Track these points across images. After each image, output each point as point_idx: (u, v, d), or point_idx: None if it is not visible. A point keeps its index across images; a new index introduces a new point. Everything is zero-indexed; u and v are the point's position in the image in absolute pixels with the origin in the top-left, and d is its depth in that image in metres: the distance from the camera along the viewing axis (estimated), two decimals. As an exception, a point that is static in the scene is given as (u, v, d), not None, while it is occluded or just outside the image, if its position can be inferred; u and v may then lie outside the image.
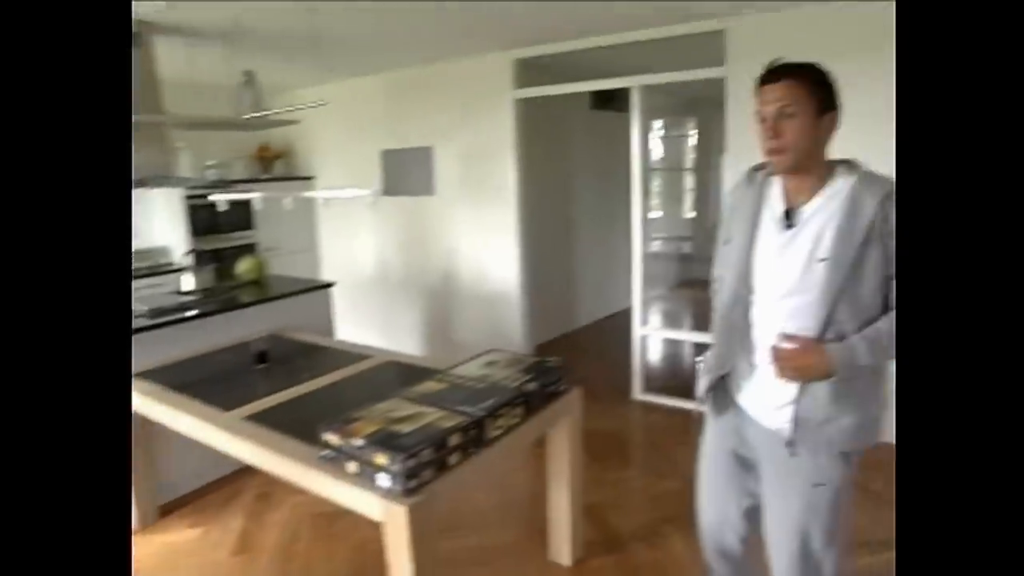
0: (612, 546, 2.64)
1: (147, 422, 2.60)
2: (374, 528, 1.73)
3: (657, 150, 7.71)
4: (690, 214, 8.06)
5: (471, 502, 2.98)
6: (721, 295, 1.70)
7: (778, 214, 1.56)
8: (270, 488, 3.13)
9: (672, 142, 7.90)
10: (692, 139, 7.87)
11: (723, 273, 1.70)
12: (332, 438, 1.75)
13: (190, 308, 3.26)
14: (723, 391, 1.73)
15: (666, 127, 7.70)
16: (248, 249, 5.06)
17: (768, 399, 1.60)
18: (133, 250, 4.53)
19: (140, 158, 3.06)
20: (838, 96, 1.51)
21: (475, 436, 1.77)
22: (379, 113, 5.29)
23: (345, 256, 5.86)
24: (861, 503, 2.85)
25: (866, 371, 1.50)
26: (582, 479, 2.49)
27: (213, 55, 3.76)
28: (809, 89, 1.46)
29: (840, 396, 1.50)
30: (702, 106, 7.22)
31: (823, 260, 1.47)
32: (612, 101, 5.99)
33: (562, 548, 2.47)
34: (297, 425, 2.03)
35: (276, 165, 5.80)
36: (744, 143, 3.52)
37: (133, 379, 2.60)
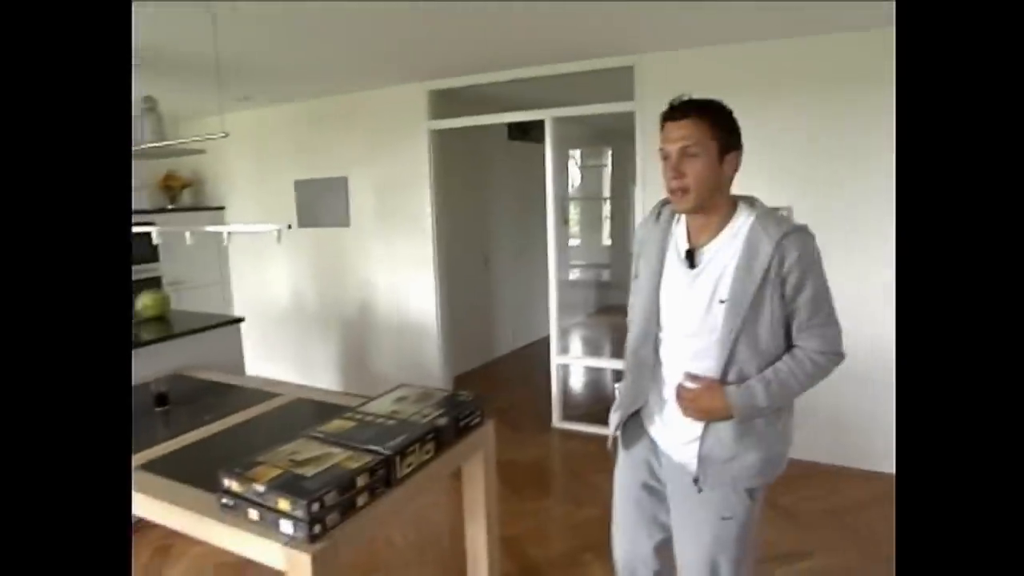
0: (531, 578, 2.62)
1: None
2: (282, 577, 1.65)
3: (576, 179, 7.89)
4: (607, 241, 8.25)
5: (386, 541, 2.90)
6: (631, 331, 1.72)
7: (682, 253, 1.58)
8: (170, 540, 2.94)
9: (590, 171, 8.10)
10: (608, 168, 8.09)
11: (633, 309, 1.72)
12: (232, 484, 1.66)
13: (83, 348, 3.05)
14: (636, 423, 1.74)
15: (583, 157, 7.89)
16: (152, 283, 4.82)
17: (676, 434, 1.62)
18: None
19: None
20: (739, 135, 1.54)
21: (383, 476, 1.72)
22: (292, 142, 5.19)
23: (257, 289, 5.67)
24: (770, 517, 2.95)
25: (765, 413, 1.53)
26: (499, 512, 2.46)
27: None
28: (712, 129, 1.48)
29: (743, 435, 1.53)
30: (616, 137, 7.47)
31: (723, 302, 1.49)
32: (529, 131, 6.09)
33: (480, 584, 2.43)
34: (196, 472, 1.92)
35: (183, 195, 5.57)
36: (654, 176, 3.65)
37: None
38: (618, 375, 1.87)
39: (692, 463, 1.58)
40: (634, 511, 1.78)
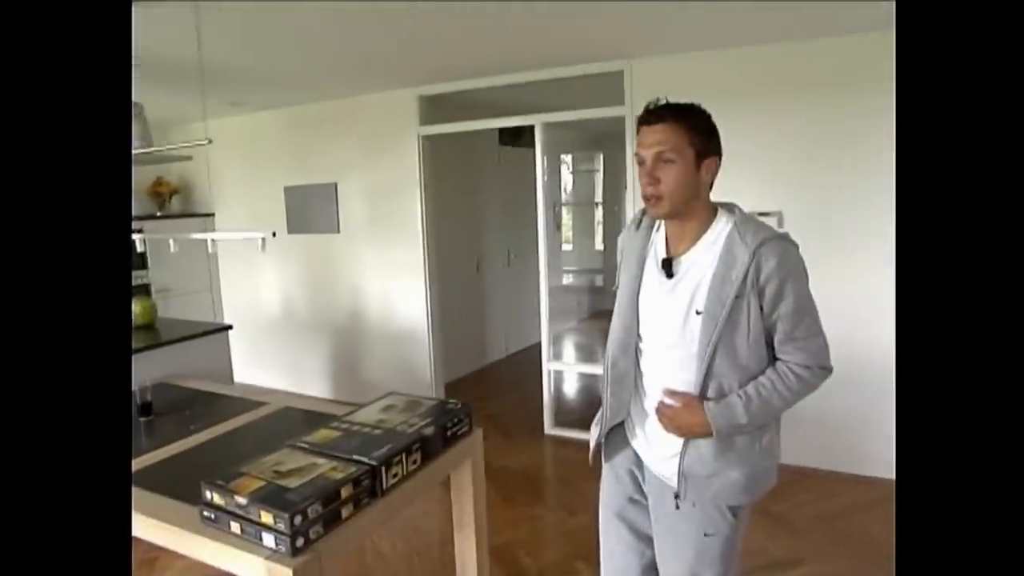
0: (522, 588, 2.59)
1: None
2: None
3: (568, 184, 7.89)
4: (600, 247, 8.25)
5: (375, 551, 2.87)
6: (612, 342, 1.67)
7: (659, 262, 1.54)
8: (155, 553, 2.88)
9: (582, 176, 8.10)
10: (601, 173, 8.10)
11: (614, 319, 1.67)
12: (214, 497, 1.63)
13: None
14: (618, 436, 1.71)
15: (575, 162, 7.89)
16: (140, 290, 4.78)
17: (658, 449, 1.59)
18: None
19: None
20: (719, 141, 1.50)
21: (369, 486, 1.69)
22: (282, 148, 5.16)
23: (247, 296, 5.63)
24: (762, 525, 2.93)
25: (746, 431, 1.49)
26: (488, 521, 2.44)
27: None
28: (689, 134, 1.44)
29: (723, 451, 1.49)
30: (608, 142, 7.48)
31: (699, 313, 1.45)
32: (521, 137, 6.09)
33: (470, 594, 2.40)
34: (179, 484, 1.89)
35: (172, 201, 5.53)
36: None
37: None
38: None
39: (673, 479, 1.54)
40: (620, 526, 1.74)
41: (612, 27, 3.11)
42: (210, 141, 2.53)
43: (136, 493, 1.89)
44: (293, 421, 2.47)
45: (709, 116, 1.50)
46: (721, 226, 1.50)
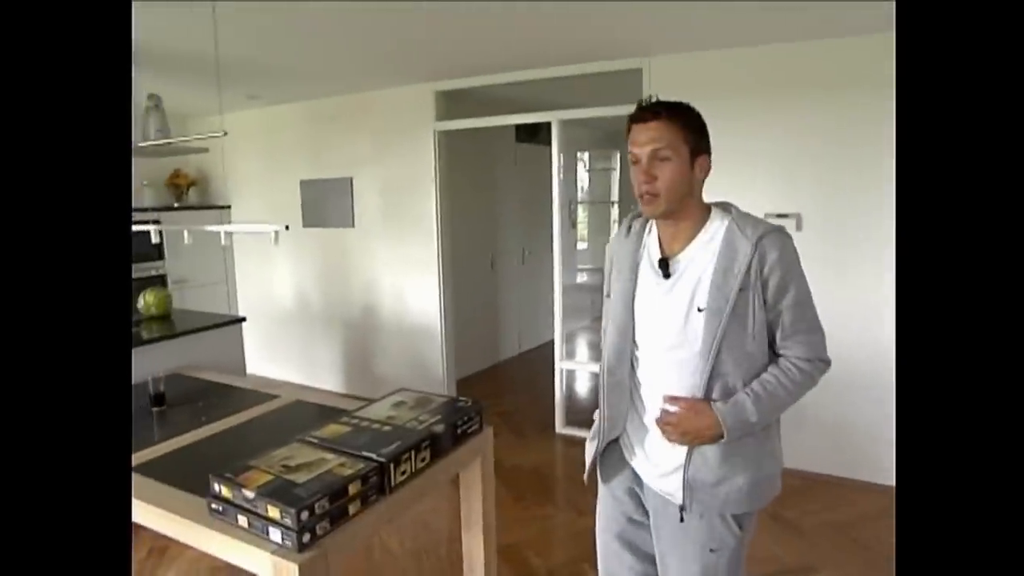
0: (530, 588, 2.58)
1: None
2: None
3: (584, 182, 7.85)
4: (615, 245, 8.17)
5: (383, 548, 2.86)
6: (605, 353, 1.62)
7: (656, 263, 1.51)
8: (166, 541, 2.91)
9: (598, 175, 8.06)
10: (617, 172, 8.05)
11: (607, 328, 1.63)
12: (222, 489, 1.63)
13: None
14: (615, 453, 1.66)
15: (592, 160, 7.85)
16: (156, 281, 4.81)
17: (659, 464, 1.54)
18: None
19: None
20: (708, 139, 1.48)
21: (377, 483, 1.68)
22: (299, 142, 5.17)
23: (261, 289, 5.66)
24: (774, 531, 2.89)
25: (756, 429, 1.45)
26: (497, 520, 2.42)
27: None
28: (683, 131, 1.43)
29: (730, 455, 1.45)
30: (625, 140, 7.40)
31: (701, 310, 1.42)
32: (537, 134, 6.06)
33: (477, 593, 2.39)
34: (189, 475, 1.88)
35: (190, 193, 5.56)
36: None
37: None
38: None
39: (678, 493, 1.49)
40: (622, 550, 1.68)
41: (631, 24, 3.08)
42: (225, 133, 2.54)
43: (146, 483, 1.90)
44: (304, 415, 2.46)
45: (700, 114, 1.48)
46: (717, 224, 1.47)
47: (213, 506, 1.65)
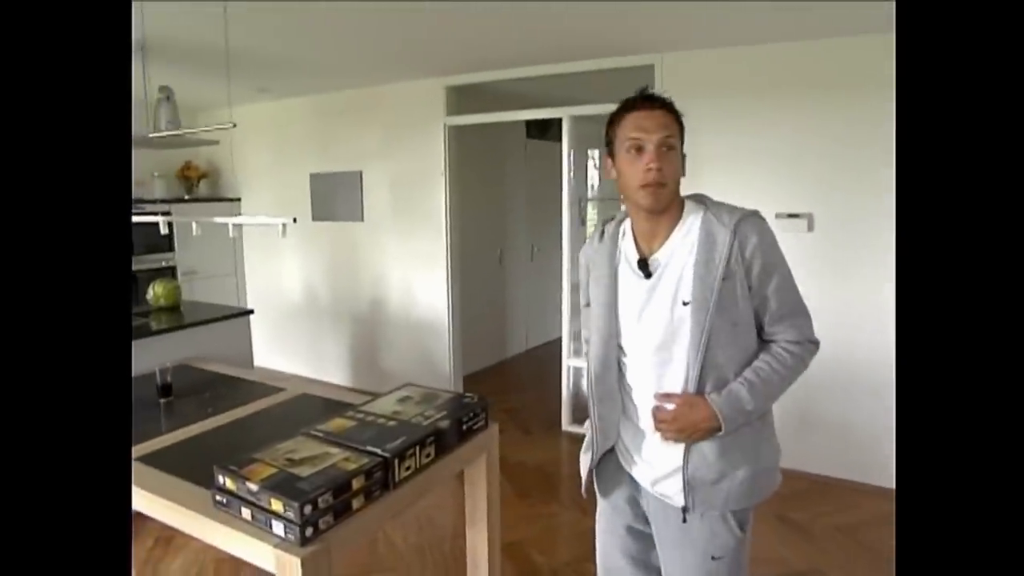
0: (534, 586, 2.57)
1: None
2: None
3: (594, 179, 7.80)
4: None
5: (387, 542, 2.86)
6: (590, 362, 1.59)
7: (635, 264, 1.49)
8: (172, 532, 2.91)
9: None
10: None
11: (589, 338, 1.59)
12: (227, 481, 1.63)
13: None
14: (611, 463, 1.64)
15: (602, 157, 7.81)
16: (166, 272, 4.83)
17: (658, 468, 1.51)
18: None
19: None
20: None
21: (381, 478, 1.68)
22: (309, 135, 5.17)
23: (270, 281, 5.67)
24: (781, 533, 2.87)
25: (753, 418, 1.43)
26: (501, 517, 2.41)
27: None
28: (679, 126, 1.44)
29: (727, 449, 1.42)
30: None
31: (686, 303, 1.40)
32: (548, 130, 6.04)
33: (481, 590, 2.38)
34: (194, 467, 1.89)
35: (200, 185, 5.58)
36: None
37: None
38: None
39: (678, 495, 1.47)
40: (624, 563, 1.66)
41: (643, 20, 3.05)
42: (234, 125, 2.54)
43: (152, 474, 1.90)
44: (310, 408, 2.46)
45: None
46: (692, 216, 1.46)
47: (217, 498, 1.65)
